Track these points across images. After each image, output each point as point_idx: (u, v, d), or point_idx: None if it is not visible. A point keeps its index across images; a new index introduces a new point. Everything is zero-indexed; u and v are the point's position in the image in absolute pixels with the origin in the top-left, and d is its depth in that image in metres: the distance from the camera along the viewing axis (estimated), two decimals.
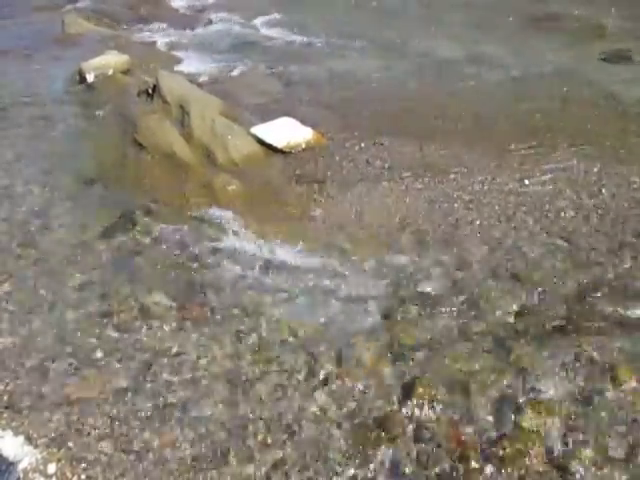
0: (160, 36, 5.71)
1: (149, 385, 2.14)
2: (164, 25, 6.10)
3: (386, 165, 3.40)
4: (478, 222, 2.93)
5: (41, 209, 3.15)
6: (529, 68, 4.75)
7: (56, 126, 3.88)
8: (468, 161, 3.45)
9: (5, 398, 2.13)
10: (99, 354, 2.28)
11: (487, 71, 4.74)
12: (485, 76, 4.65)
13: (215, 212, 3.03)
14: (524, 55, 5.01)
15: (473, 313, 2.36)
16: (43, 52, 5.11)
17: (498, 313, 2.37)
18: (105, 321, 2.42)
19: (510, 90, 4.39)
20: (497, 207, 3.04)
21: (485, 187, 3.21)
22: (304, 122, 3.70)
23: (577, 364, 2.11)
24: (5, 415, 2.07)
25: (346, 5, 6.66)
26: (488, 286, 2.50)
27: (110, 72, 4.29)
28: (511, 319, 2.34)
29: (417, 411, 1.96)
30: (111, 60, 4.42)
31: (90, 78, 4.24)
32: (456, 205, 3.07)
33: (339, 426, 1.94)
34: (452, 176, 3.32)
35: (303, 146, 3.53)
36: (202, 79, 4.62)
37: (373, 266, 2.66)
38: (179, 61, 5.05)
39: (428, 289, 2.50)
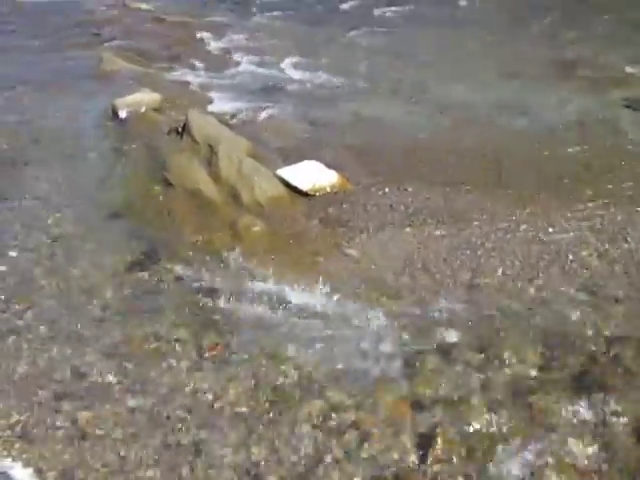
0: (192, 76, 5.87)
1: (163, 423, 2.13)
2: (196, 65, 6.27)
3: (410, 211, 3.41)
4: (501, 270, 2.90)
5: (68, 240, 3.20)
6: (551, 115, 4.78)
7: (87, 159, 3.98)
8: (491, 208, 3.44)
9: (18, 428, 2.12)
10: (115, 389, 2.27)
11: (509, 118, 4.78)
12: (507, 123, 4.69)
13: (238, 252, 3.04)
14: (546, 102, 5.04)
15: (495, 365, 2.32)
16: (80, 87, 5.28)
17: (521, 365, 2.32)
18: (123, 356, 2.43)
19: (532, 137, 4.42)
20: (520, 255, 3.02)
21: (508, 235, 3.19)
22: (329, 165, 3.75)
23: (603, 422, 2.04)
24: (17, 445, 2.06)
25: (370, 50, 6.82)
26: (511, 337, 2.46)
27: (142, 109, 4.40)
28: (534, 372, 2.29)
29: (435, 467, 1.91)
30: (144, 98, 4.55)
31: (123, 114, 4.36)
32: (479, 252, 3.05)
33: (353, 478, 1.89)
34: (475, 223, 3.31)
35: (328, 189, 3.56)
36: (231, 119, 4.72)
37: (394, 312, 2.64)
38: (209, 101, 5.17)
39: (449, 338, 2.46)
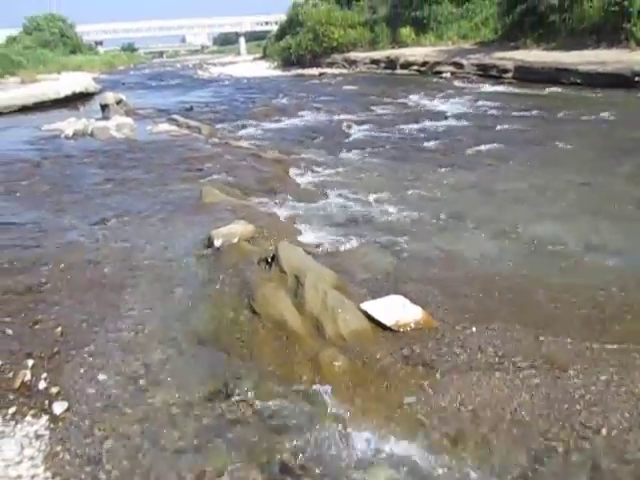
0: (283, 208, 6.18)
1: None
2: (288, 198, 6.62)
3: (499, 353, 3.24)
4: (605, 429, 2.62)
5: (154, 365, 3.28)
6: None
7: (181, 286, 4.16)
8: (590, 356, 3.20)
9: None
10: None
11: (605, 259, 4.58)
12: (603, 264, 4.49)
13: (319, 388, 2.97)
14: None
15: None
16: (180, 218, 5.68)
17: None
18: None
19: (633, 281, 4.17)
20: (627, 414, 2.72)
21: (611, 388, 2.92)
22: (413, 300, 3.69)
23: None
24: None
25: (456, 186, 6.96)
26: None
27: (235, 240, 4.62)
28: None
29: None
30: (238, 229, 4.80)
31: (217, 244, 4.59)
32: (578, 406, 2.79)
33: None
34: (572, 372, 3.07)
35: (412, 326, 3.48)
36: (317, 250, 4.85)
37: (486, 470, 2.42)
38: (298, 232, 5.37)
39: None
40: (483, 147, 9.08)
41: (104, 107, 14.63)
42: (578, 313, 3.73)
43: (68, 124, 12.33)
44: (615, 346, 3.28)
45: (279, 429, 2.75)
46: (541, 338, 3.39)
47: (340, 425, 2.74)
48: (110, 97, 15.15)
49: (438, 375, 3.07)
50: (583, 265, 4.49)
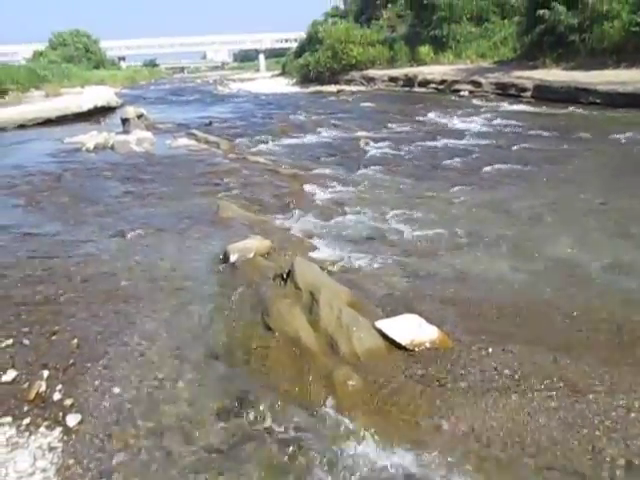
0: (299, 224, 6.18)
1: None
2: (304, 214, 6.62)
3: (516, 376, 3.19)
4: (624, 458, 2.56)
5: (168, 380, 3.28)
6: None
7: (195, 300, 4.18)
8: (610, 380, 3.14)
9: None
10: None
11: (624, 281, 4.50)
12: (622, 286, 4.41)
13: (332, 407, 2.95)
14: None
15: None
16: (197, 232, 5.72)
17: None
18: None
19: None
20: None
21: (632, 414, 2.86)
22: (429, 320, 3.66)
23: None
24: None
25: (473, 205, 6.90)
26: None
27: (251, 255, 4.64)
28: None
29: None
30: (254, 244, 4.82)
31: (233, 259, 4.61)
32: (597, 433, 2.73)
33: None
34: (591, 396, 3.01)
35: (427, 345, 3.45)
36: (332, 267, 4.83)
37: None
38: (313, 248, 5.36)
39: None
40: (501, 166, 9.03)
41: (125, 121, 14.85)
42: (597, 336, 3.67)
43: (89, 137, 12.53)
44: (636, 372, 3.21)
45: (292, 447, 2.73)
46: (559, 361, 3.34)
47: (353, 444, 2.71)
48: (131, 111, 15.38)
49: (453, 396, 3.03)
50: (602, 287, 4.42)
